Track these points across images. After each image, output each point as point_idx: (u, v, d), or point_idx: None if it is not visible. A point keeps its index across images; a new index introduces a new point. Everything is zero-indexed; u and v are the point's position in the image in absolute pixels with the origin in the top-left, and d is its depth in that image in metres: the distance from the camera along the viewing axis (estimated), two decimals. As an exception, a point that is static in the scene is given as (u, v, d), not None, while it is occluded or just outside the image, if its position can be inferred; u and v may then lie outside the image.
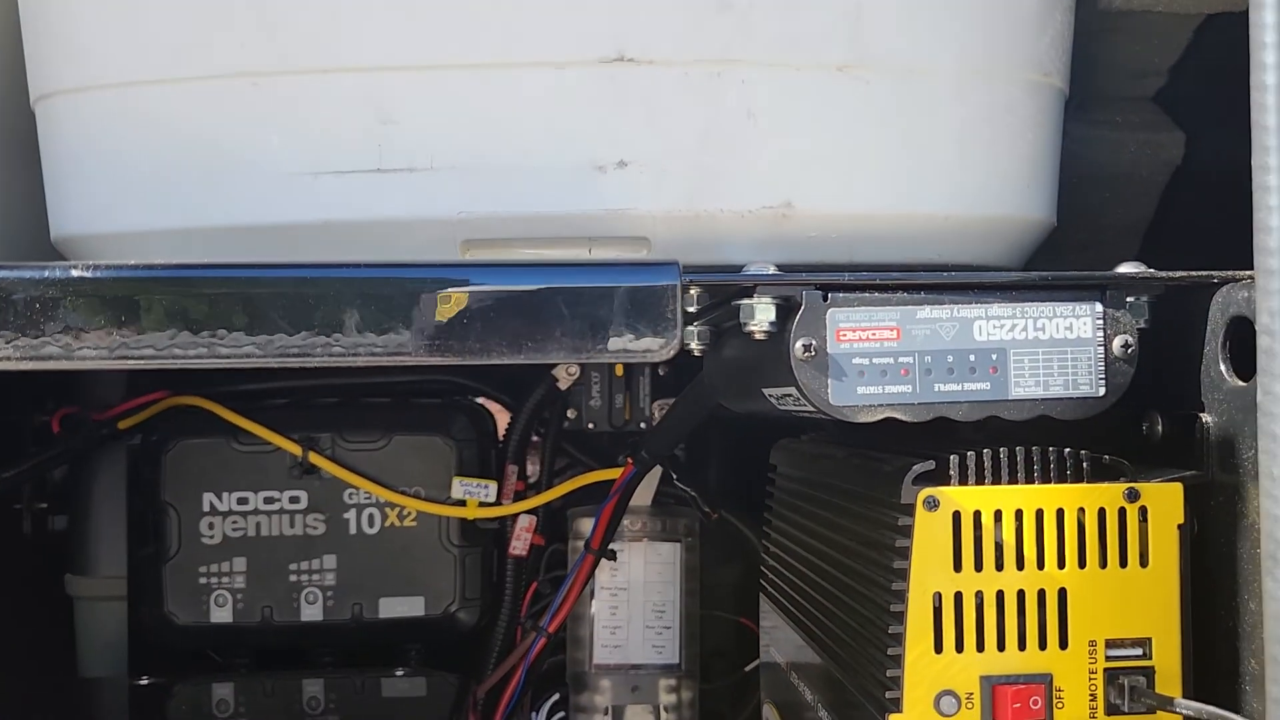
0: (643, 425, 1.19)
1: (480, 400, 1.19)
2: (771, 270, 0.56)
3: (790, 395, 0.59)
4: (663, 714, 1.17)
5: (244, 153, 0.56)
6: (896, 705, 0.56)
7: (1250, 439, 0.53)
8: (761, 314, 0.56)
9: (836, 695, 0.67)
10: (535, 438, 1.18)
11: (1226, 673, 0.55)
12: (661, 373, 1.20)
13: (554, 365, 1.16)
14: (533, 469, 1.20)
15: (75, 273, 0.45)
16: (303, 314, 0.48)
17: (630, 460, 1.07)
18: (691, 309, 0.65)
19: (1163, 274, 0.57)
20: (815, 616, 0.72)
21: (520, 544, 1.15)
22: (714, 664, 1.20)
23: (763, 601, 0.92)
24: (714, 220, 0.58)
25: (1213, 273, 0.56)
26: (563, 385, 1.18)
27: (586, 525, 1.14)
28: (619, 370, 1.19)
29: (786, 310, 0.56)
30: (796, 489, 0.84)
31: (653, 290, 0.49)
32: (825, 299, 0.56)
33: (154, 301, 0.46)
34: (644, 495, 1.16)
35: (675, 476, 1.11)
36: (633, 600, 1.16)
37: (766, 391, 0.63)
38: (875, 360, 0.56)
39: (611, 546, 1.10)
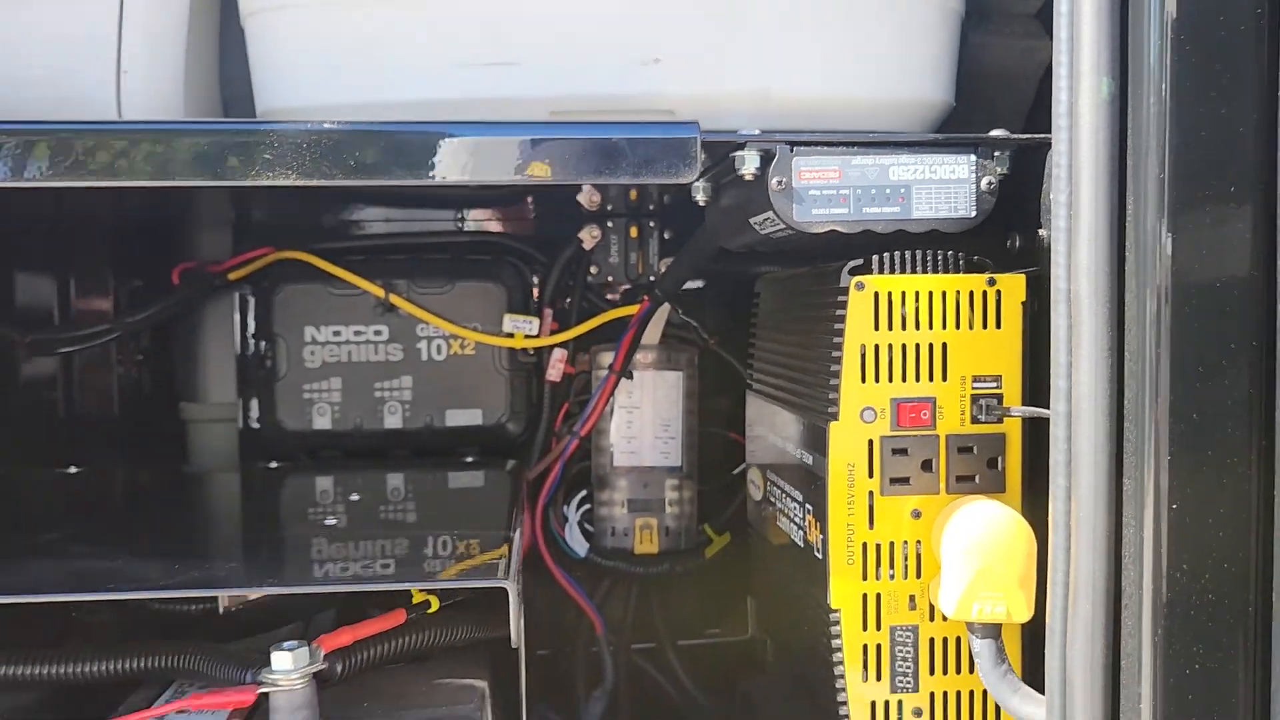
0: (652, 278, 1.47)
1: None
2: (757, 132, 0.84)
3: (769, 218, 0.88)
4: (667, 507, 1.47)
5: (403, 51, 0.84)
6: (835, 416, 0.86)
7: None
8: (750, 161, 0.84)
9: (801, 429, 0.97)
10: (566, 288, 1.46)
11: (1048, 391, 0.85)
12: (667, 237, 1.48)
13: (581, 229, 1.44)
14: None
15: (326, 126, 0.73)
16: (449, 153, 0.76)
17: (646, 297, 1.36)
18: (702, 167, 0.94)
19: (1015, 136, 0.85)
20: (786, 383, 1.02)
21: (555, 372, 1.44)
22: (709, 470, 1.49)
23: (749, 397, 1.21)
24: (718, 100, 0.86)
25: (1049, 135, 0.85)
26: (587, 246, 1.46)
27: (606, 358, 1.43)
28: (633, 232, 1.47)
29: (767, 159, 0.85)
30: (772, 304, 1.13)
31: (682, 139, 0.77)
32: (792, 150, 0.84)
33: (368, 145, 0.74)
34: (654, 334, 1.44)
35: (680, 310, 1.39)
36: (644, 417, 1.45)
37: (752, 220, 0.92)
38: (824, 191, 0.84)
39: (629, 370, 1.40)
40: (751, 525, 1.21)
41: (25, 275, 1.45)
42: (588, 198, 1.45)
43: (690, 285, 1.43)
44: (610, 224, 1.47)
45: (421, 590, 0.90)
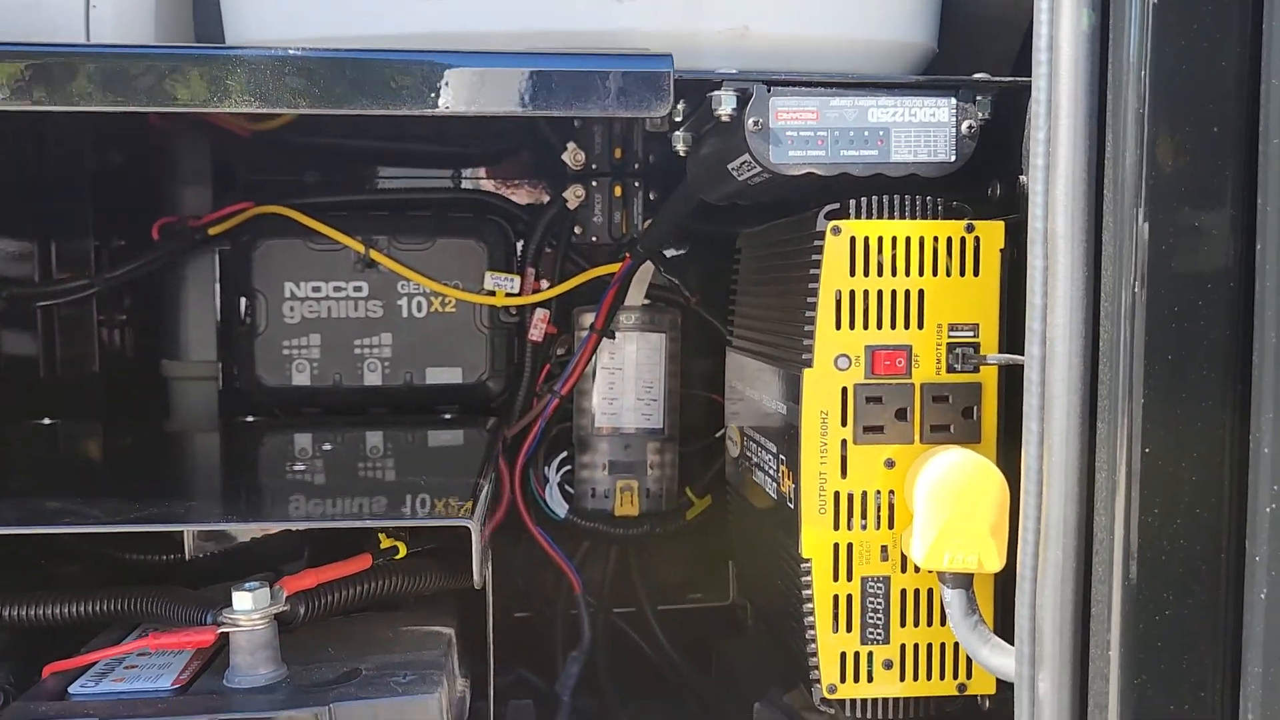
0: (634, 237, 1.45)
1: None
2: (734, 71, 0.83)
3: (746, 162, 0.86)
4: (649, 470, 1.46)
5: (373, -17, 0.82)
6: (809, 363, 0.85)
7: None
8: (727, 102, 0.83)
9: (776, 379, 0.96)
10: (549, 249, 1.45)
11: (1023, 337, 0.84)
12: (651, 196, 1.47)
13: (566, 188, 1.43)
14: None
15: (292, 52, 0.71)
16: (420, 81, 0.74)
17: (628, 255, 1.34)
18: (679, 118, 0.92)
19: (996, 79, 0.84)
20: (764, 335, 1.01)
21: (537, 332, 1.43)
22: (690, 433, 1.48)
23: (729, 354, 1.20)
24: (694, 38, 0.84)
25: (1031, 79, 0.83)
26: (571, 205, 1.44)
27: (589, 319, 1.41)
28: (617, 191, 1.45)
29: (744, 100, 0.83)
30: (752, 259, 1.12)
31: (655, 73, 0.76)
32: (769, 90, 0.82)
33: (337, 71, 0.73)
34: (637, 295, 1.43)
35: (663, 269, 1.38)
36: (626, 379, 1.44)
37: (730, 165, 0.90)
38: (801, 133, 0.83)
39: (611, 330, 1.38)
40: (729, 483, 1.20)
41: (4, 231, 1.44)
42: (572, 156, 1.44)
43: (673, 252, 1.42)
44: (594, 183, 1.45)
45: (386, 534, 0.89)
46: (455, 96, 0.73)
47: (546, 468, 1.45)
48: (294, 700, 0.75)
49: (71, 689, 0.78)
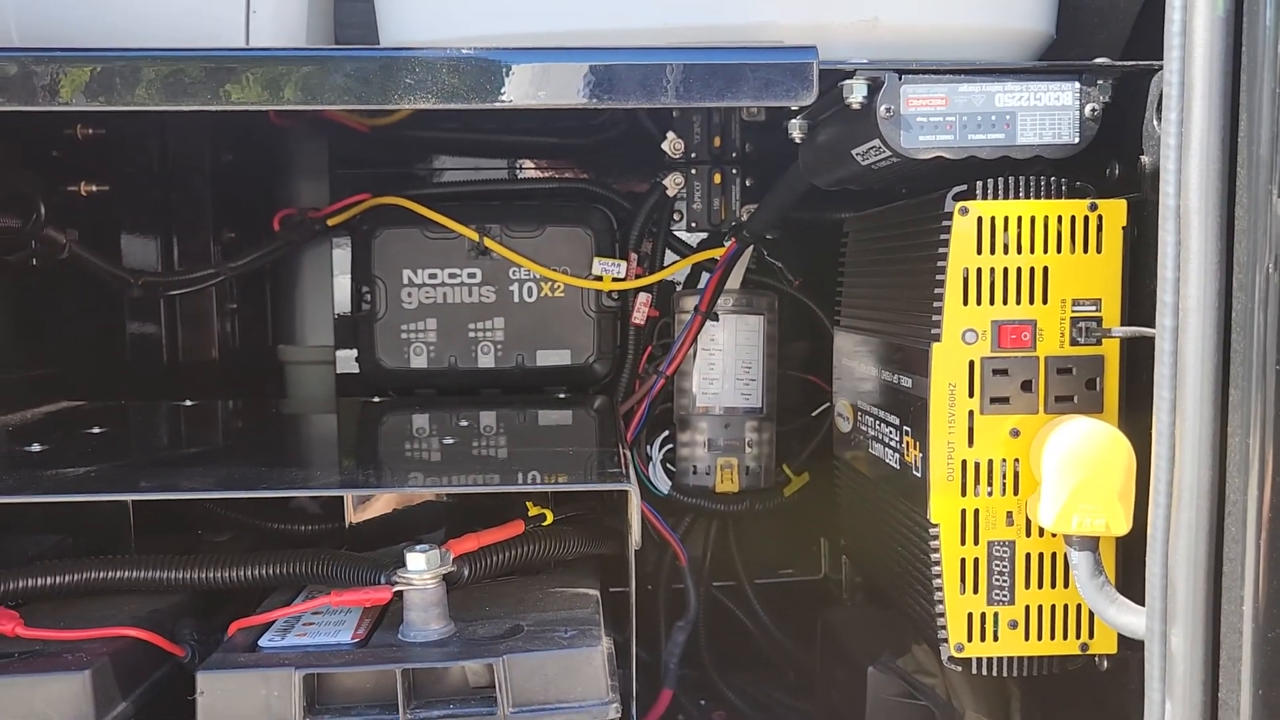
0: (733, 223, 1.50)
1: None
2: (865, 61, 0.87)
3: (874, 147, 0.90)
4: (747, 448, 1.50)
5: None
6: (938, 338, 0.89)
7: (1167, 169, 0.84)
8: (858, 90, 0.87)
9: (899, 355, 1.00)
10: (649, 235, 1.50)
11: (1150, 312, 0.87)
12: (749, 184, 1.51)
13: (665, 175, 1.48)
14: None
15: (464, 51, 0.77)
16: (586, 78, 0.80)
17: (734, 239, 1.39)
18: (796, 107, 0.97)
19: (1118, 63, 0.87)
20: (882, 312, 1.05)
21: (639, 315, 1.48)
22: (786, 412, 1.53)
23: (838, 334, 1.24)
24: (827, 30, 0.89)
25: (1154, 62, 0.86)
26: (671, 192, 1.50)
27: (689, 303, 1.47)
28: (717, 178, 1.50)
29: (874, 88, 0.87)
30: (864, 241, 1.16)
31: (802, 64, 0.80)
32: (900, 79, 0.87)
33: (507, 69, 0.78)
34: (735, 279, 1.48)
35: (767, 252, 1.42)
36: (725, 360, 1.48)
37: (854, 150, 0.94)
38: (931, 118, 0.87)
39: (714, 312, 1.43)
40: (837, 457, 1.25)
41: (133, 224, 1.52)
42: (671, 145, 1.49)
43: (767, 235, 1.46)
44: (694, 171, 1.50)
45: (533, 501, 0.94)
46: (617, 90, 0.78)
47: (649, 446, 1.51)
48: (468, 652, 0.81)
49: (261, 642, 0.85)
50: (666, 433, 1.51)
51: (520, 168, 1.55)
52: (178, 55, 0.79)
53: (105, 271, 1.38)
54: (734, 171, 1.50)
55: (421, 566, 0.84)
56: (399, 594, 0.85)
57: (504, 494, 0.99)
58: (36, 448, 1.01)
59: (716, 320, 1.44)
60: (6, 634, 0.82)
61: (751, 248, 1.42)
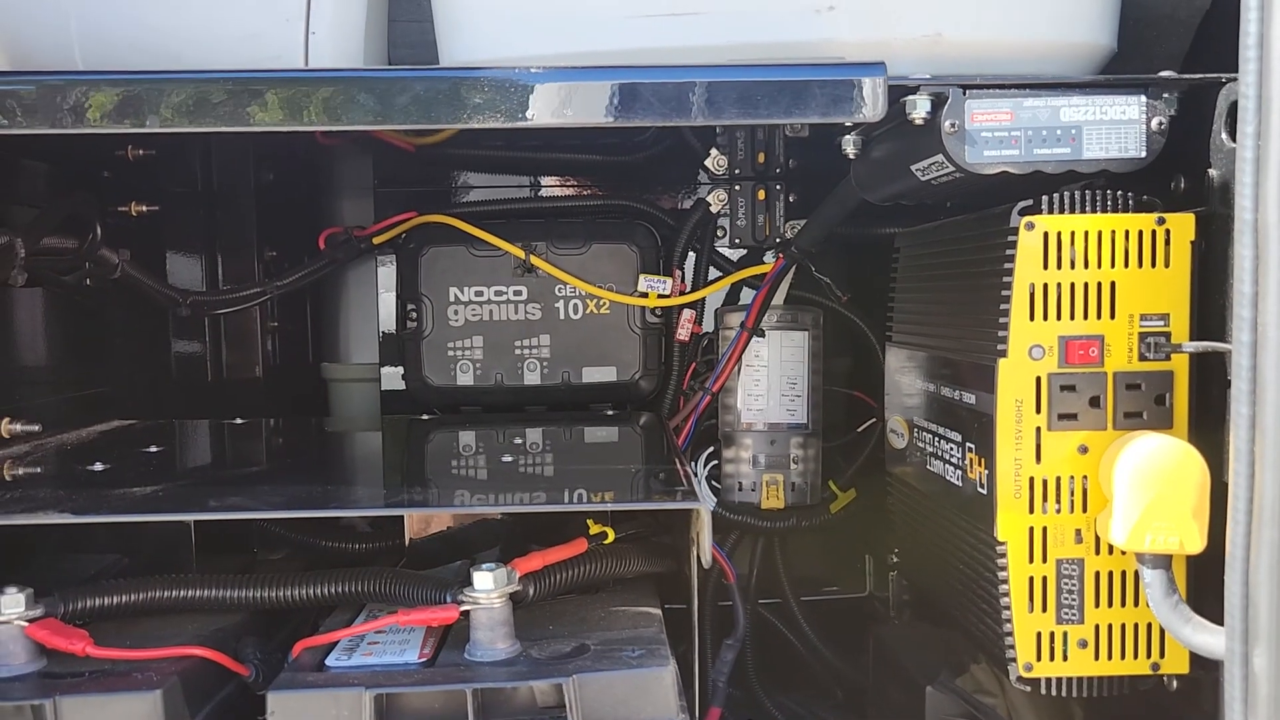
0: (778, 240, 1.50)
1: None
2: (928, 76, 0.87)
3: (937, 162, 0.90)
4: (792, 464, 1.50)
5: (587, 3, 0.88)
6: (1004, 354, 0.89)
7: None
8: (921, 106, 0.87)
9: (961, 371, 0.99)
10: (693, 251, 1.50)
11: (1219, 326, 0.86)
12: (792, 199, 1.51)
13: (709, 191, 1.48)
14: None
15: (533, 70, 0.77)
16: (654, 96, 0.80)
17: (781, 255, 1.39)
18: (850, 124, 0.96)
19: (1185, 76, 0.87)
20: (941, 328, 1.05)
21: (684, 331, 1.48)
22: (831, 429, 1.52)
23: (890, 350, 1.23)
24: (889, 45, 0.89)
25: (1221, 75, 0.86)
26: (714, 209, 1.50)
27: (734, 319, 1.47)
28: (760, 195, 1.50)
29: (938, 104, 0.87)
30: (920, 256, 1.15)
31: (869, 80, 0.80)
32: (965, 94, 0.86)
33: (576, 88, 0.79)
34: (779, 295, 1.48)
35: (814, 268, 1.42)
36: (770, 376, 1.48)
37: (915, 166, 0.94)
38: (996, 133, 0.87)
39: (760, 328, 1.43)
40: (891, 474, 1.24)
41: (179, 244, 1.53)
42: (715, 162, 1.49)
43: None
44: (738, 187, 1.50)
45: (594, 520, 0.94)
46: (684, 108, 0.78)
47: (694, 462, 1.50)
48: (536, 672, 0.81)
49: (328, 662, 0.84)
50: (711, 449, 1.51)
51: (563, 185, 1.55)
52: (249, 77, 0.80)
53: (156, 291, 1.38)
54: (778, 187, 1.50)
55: (489, 586, 0.84)
56: (465, 613, 0.84)
57: (561, 512, 0.98)
58: (99, 466, 1.01)
59: (762, 336, 1.44)
60: (77, 653, 0.82)
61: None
